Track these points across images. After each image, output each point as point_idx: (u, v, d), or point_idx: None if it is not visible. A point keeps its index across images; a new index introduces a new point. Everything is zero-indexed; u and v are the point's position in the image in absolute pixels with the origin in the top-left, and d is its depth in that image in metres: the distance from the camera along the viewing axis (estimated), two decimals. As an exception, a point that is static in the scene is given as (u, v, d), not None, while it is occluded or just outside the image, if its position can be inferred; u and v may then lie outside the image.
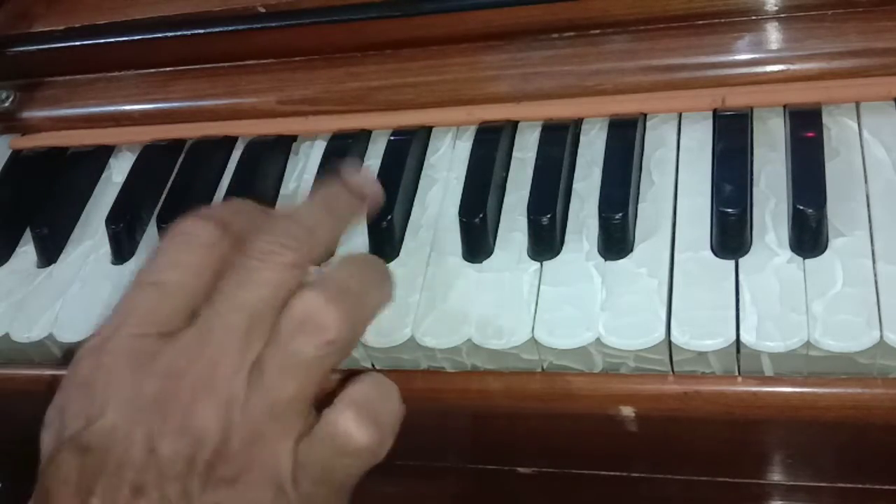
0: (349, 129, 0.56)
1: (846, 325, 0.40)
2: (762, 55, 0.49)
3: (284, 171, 0.57)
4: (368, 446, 0.36)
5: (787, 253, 0.43)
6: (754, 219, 0.45)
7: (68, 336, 0.52)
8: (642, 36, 0.52)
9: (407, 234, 0.50)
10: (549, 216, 0.47)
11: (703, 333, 0.42)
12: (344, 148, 0.55)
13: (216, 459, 0.34)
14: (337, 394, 0.38)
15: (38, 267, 0.57)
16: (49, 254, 0.57)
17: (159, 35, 0.59)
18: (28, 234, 0.58)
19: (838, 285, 0.41)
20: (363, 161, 0.55)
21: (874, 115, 0.47)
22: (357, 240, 0.50)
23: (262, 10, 0.56)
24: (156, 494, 0.33)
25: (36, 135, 0.64)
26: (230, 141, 0.59)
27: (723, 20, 0.50)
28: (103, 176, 0.61)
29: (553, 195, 0.48)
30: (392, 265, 0.49)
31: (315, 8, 0.55)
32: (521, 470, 0.55)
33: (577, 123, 0.52)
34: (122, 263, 0.55)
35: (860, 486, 0.50)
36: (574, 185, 0.49)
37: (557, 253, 0.47)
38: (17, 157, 0.64)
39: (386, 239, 0.49)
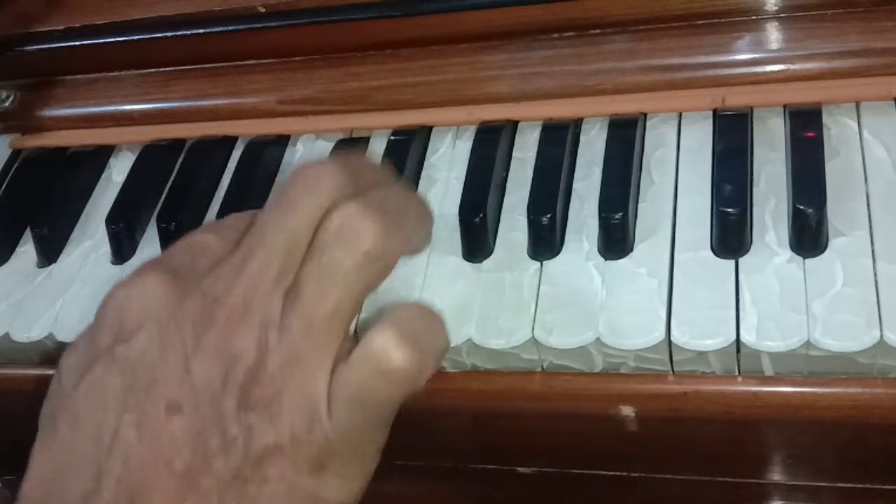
0: (350, 129, 0.56)
1: (846, 325, 0.40)
2: (762, 55, 0.49)
3: (285, 171, 0.57)
4: (406, 368, 0.35)
5: (787, 253, 0.43)
6: (754, 219, 0.45)
7: (68, 336, 0.52)
8: (642, 36, 0.52)
9: (407, 233, 0.50)
10: (549, 216, 0.47)
11: (703, 333, 0.42)
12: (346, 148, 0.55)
13: (251, 381, 0.34)
14: None
15: (38, 267, 0.57)
16: (49, 254, 0.57)
17: (159, 35, 0.59)
18: (28, 234, 0.58)
19: (838, 285, 0.41)
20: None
21: (874, 115, 0.47)
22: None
23: (262, 10, 0.56)
24: (190, 412, 0.33)
25: (36, 135, 0.64)
26: (230, 141, 0.59)
27: (723, 20, 0.50)
28: (103, 176, 0.61)
29: (553, 195, 0.48)
30: (392, 265, 0.49)
31: (315, 8, 0.55)
32: (521, 470, 0.55)
33: (577, 123, 0.52)
34: (122, 263, 0.55)
35: (860, 485, 0.50)
36: (574, 185, 0.49)
37: (557, 253, 0.47)
38: (17, 156, 0.64)
39: (386, 239, 0.49)
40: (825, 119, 0.47)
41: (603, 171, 0.49)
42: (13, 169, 0.63)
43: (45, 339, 0.52)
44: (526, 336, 0.44)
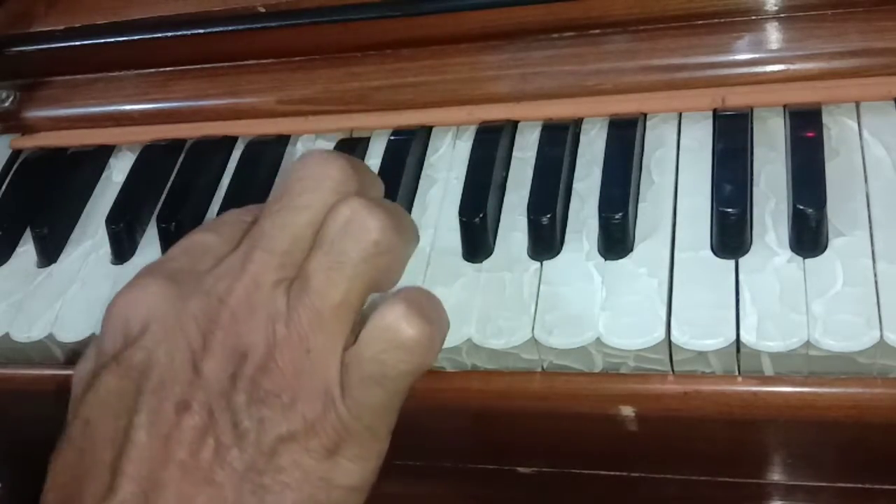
0: (350, 129, 0.56)
1: (846, 325, 0.40)
2: (762, 55, 0.49)
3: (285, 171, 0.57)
4: (418, 338, 0.36)
5: (787, 253, 0.43)
6: (754, 219, 0.45)
7: (68, 336, 0.52)
8: (642, 36, 0.52)
9: (407, 233, 0.50)
10: (549, 216, 0.47)
11: (703, 333, 0.42)
12: (344, 148, 0.55)
13: (260, 375, 0.34)
14: None
15: (38, 267, 0.57)
16: (49, 254, 0.57)
17: (159, 35, 0.59)
18: (28, 234, 0.58)
19: (838, 285, 0.41)
20: (363, 161, 0.55)
21: (874, 115, 0.47)
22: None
23: (262, 10, 0.56)
24: (201, 410, 0.33)
25: (36, 135, 0.64)
26: (230, 141, 0.59)
27: (723, 20, 0.50)
28: (103, 176, 0.61)
29: (553, 195, 0.48)
30: (392, 265, 0.49)
31: (315, 8, 0.55)
32: (521, 470, 0.55)
33: (577, 123, 0.52)
34: (122, 263, 0.55)
35: (860, 485, 0.50)
36: (574, 185, 0.49)
37: (557, 253, 0.47)
38: (17, 156, 0.64)
39: (386, 239, 0.49)
40: (825, 119, 0.47)
41: (603, 171, 0.49)
42: (13, 169, 0.63)
43: (44, 339, 0.52)
44: (526, 336, 0.44)
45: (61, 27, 0.61)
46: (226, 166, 0.58)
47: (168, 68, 0.61)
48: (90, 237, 0.57)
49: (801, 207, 0.42)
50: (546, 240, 0.47)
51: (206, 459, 0.33)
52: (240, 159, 0.57)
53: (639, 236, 0.46)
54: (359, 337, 0.36)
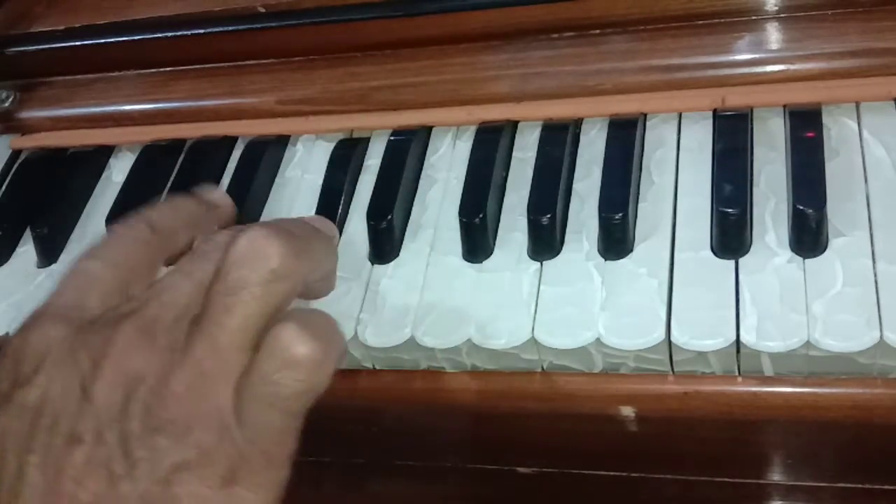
0: (348, 129, 0.56)
1: (846, 325, 0.40)
2: (762, 55, 0.49)
3: (285, 173, 0.57)
4: (311, 356, 0.35)
5: (787, 253, 0.43)
6: (754, 219, 0.45)
7: (68, 336, 0.51)
8: (642, 36, 0.52)
9: (407, 234, 0.50)
10: (549, 216, 0.47)
11: (703, 333, 0.42)
12: (344, 149, 0.55)
13: (155, 402, 0.34)
14: None
15: (38, 267, 0.57)
16: (49, 254, 0.57)
17: (159, 35, 0.59)
18: (28, 234, 0.58)
19: (838, 285, 0.41)
20: (363, 161, 0.55)
21: (874, 115, 0.47)
22: (358, 239, 0.50)
23: (262, 10, 0.56)
24: (92, 441, 0.33)
25: (36, 135, 0.64)
26: (230, 141, 0.59)
27: (723, 20, 0.50)
28: (103, 176, 0.61)
29: (553, 195, 0.48)
30: (392, 265, 0.49)
31: (315, 8, 0.55)
32: (521, 470, 0.55)
33: (577, 123, 0.52)
34: (122, 263, 0.55)
35: (860, 486, 0.50)
36: (574, 185, 0.49)
37: (557, 253, 0.47)
38: (17, 157, 0.64)
39: (386, 239, 0.49)
40: (825, 119, 0.47)
41: (603, 171, 0.49)
42: (13, 169, 0.63)
43: (45, 339, 0.52)
44: (526, 336, 0.44)
45: (61, 27, 0.61)
46: (226, 166, 0.58)
47: (168, 68, 0.61)
48: (90, 237, 0.57)
49: (801, 207, 0.42)
50: (546, 240, 0.47)
51: (99, 492, 0.33)
52: (240, 159, 0.57)
53: (639, 236, 0.46)
54: (253, 359, 0.35)
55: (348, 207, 0.53)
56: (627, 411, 0.45)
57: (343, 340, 0.38)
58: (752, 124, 0.49)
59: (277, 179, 0.56)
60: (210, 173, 0.57)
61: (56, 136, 0.64)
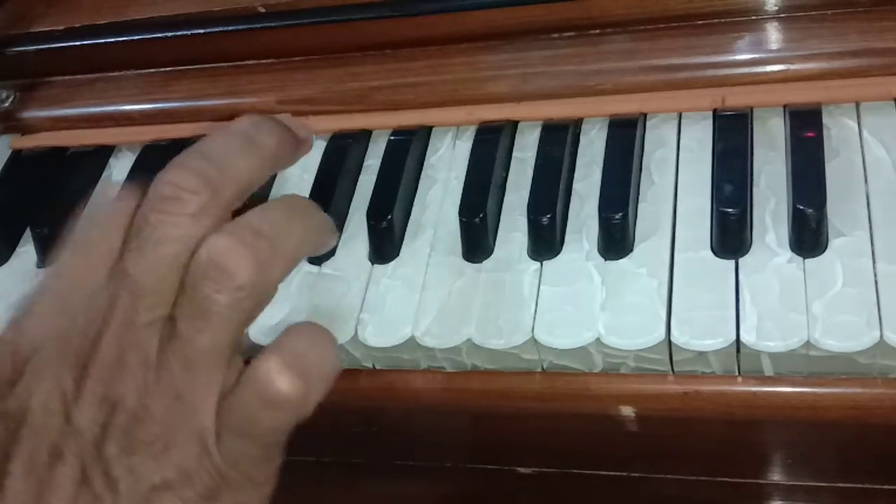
0: (350, 129, 0.56)
1: (846, 325, 0.40)
2: (762, 55, 0.49)
3: (284, 171, 0.57)
4: (292, 397, 0.34)
5: (787, 253, 0.43)
6: (754, 219, 0.45)
7: (68, 336, 0.51)
8: (642, 36, 0.52)
9: (407, 234, 0.50)
10: (549, 216, 0.47)
11: (703, 333, 0.42)
12: (344, 148, 0.55)
13: (133, 423, 0.33)
14: None
15: (38, 267, 0.57)
16: (49, 254, 0.57)
17: (159, 35, 0.59)
18: (28, 234, 0.58)
19: (838, 285, 0.41)
20: (363, 161, 0.55)
21: (874, 115, 0.47)
22: (357, 239, 0.50)
23: (262, 10, 0.56)
24: (73, 460, 0.33)
25: (36, 135, 0.64)
26: (230, 141, 0.59)
27: (723, 20, 0.50)
28: (103, 176, 0.61)
29: (553, 195, 0.48)
30: (392, 265, 0.49)
31: (315, 8, 0.55)
32: (521, 470, 0.55)
33: (577, 123, 0.52)
34: (122, 263, 0.55)
35: (860, 485, 0.50)
36: (574, 185, 0.49)
37: (557, 253, 0.47)
38: (17, 157, 0.64)
39: (386, 239, 0.49)
40: (825, 119, 0.47)
41: (603, 171, 0.49)
42: (13, 169, 0.63)
43: (45, 339, 0.52)
44: (526, 336, 0.44)
45: (61, 27, 0.61)
46: (226, 166, 0.58)
47: (168, 68, 0.61)
48: (90, 237, 0.57)
49: (801, 207, 0.42)
50: (546, 240, 0.47)
51: None
52: (240, 159, 0.57)
53: (639, 236, 0.46)
54: (235, 386, 0.35)
55: (348, 207, 0.53)
56: (627, 411, 0.45)
57: (334, 359, 0.36)
58: (752, 124, 0.49)
59: (277, 179, 0.56)
60: (210, 173, 0.57)
61: (56, 135, 0.63)
